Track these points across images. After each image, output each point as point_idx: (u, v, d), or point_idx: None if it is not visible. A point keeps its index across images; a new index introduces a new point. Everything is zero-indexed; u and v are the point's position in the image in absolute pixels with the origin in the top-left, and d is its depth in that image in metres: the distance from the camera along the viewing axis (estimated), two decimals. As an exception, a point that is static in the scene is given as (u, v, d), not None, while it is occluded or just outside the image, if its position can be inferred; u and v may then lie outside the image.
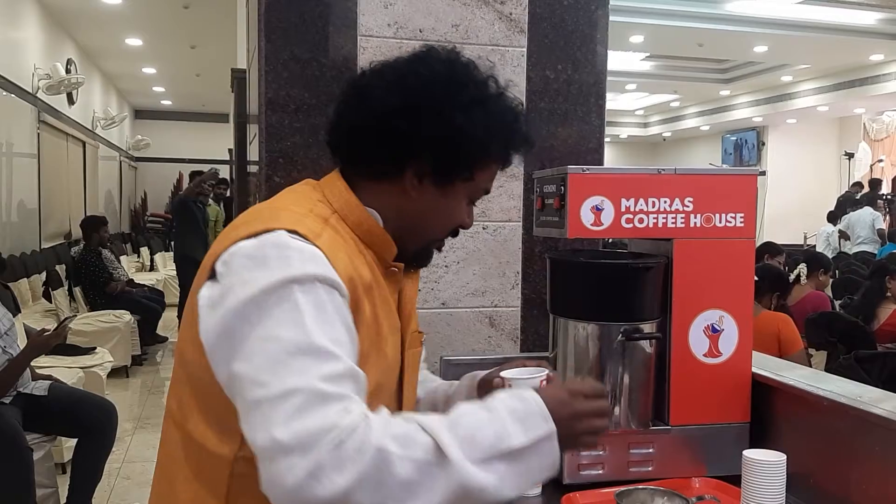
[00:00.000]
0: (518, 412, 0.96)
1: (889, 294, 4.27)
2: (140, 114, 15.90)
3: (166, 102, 15.09)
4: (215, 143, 13.83)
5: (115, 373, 6.05)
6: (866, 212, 10.69)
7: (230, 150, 10.46)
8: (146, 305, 7.45)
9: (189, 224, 7.94)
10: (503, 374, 1.25)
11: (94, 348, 5.40)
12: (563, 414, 0.99)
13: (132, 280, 8.03)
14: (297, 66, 2.01)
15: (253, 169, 2.91)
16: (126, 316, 6.63)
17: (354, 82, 1.19)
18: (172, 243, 10.56)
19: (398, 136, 1.10)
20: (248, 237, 1.01)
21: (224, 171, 10.86)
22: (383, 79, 1.14)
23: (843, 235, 10.72)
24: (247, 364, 0.91)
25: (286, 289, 0.95)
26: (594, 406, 1.05)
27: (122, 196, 13.93)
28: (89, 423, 3.48)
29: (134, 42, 10.03)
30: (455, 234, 1.22)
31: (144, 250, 12.03)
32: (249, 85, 3.00)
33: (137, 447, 4.85)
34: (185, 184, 10.60)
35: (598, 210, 1.60)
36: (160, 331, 8.04)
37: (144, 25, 9.29)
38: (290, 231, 1.01)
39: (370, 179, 1.16)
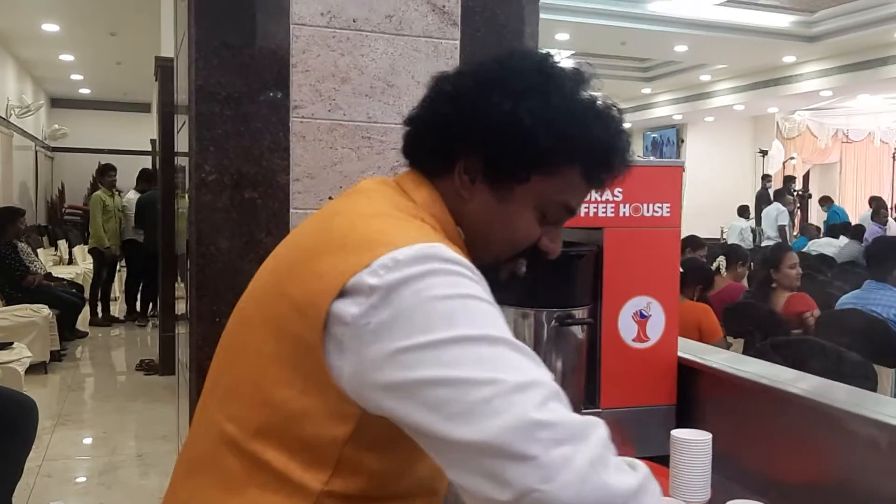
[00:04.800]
0: None
1: (775, 285, 4.43)
2: (57, 102, 15.33)
3: (85, 91, 14.59)
4: (137, 134, 13.45)
5: (33, 369, 5.84)
6: (773, 207, 11.19)
7: (153, 141, 10.20)
8: (65, 299, 7.22)
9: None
10: None
11: (11, 343, 5.20)
12: None
13: (50, 273, 7.77)
14: (227, 53, 1.98)
15: (181, 159, 2.86)
16: (44, 310, 6.41)
17: (430, 85, 1.08)
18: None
19: (443, 122, 1.01)
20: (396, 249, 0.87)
21: (147, 163, 10.60)
22: (451, 73, 1.06)
23: (761, 232, 11.20)
24: (456, 370, 0.80)
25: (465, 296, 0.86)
26: None
27: (38, 187, 13.41)
28: (8, 419, 3.35)
29: (51, 28, 9.66)
30: (530, 256, 1.06)
31: (62, 243, 11.62)
32: (178, 73, 2.94)
33: (58, 445, 4.70)
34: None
35: (532, 199, 1.63)
36: (80, 325, 7.80)
37: (62, 10, 8.95)
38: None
39: (430, 178, 1.04)
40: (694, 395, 1.74)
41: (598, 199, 1.68)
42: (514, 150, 0.98)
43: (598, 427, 0.79)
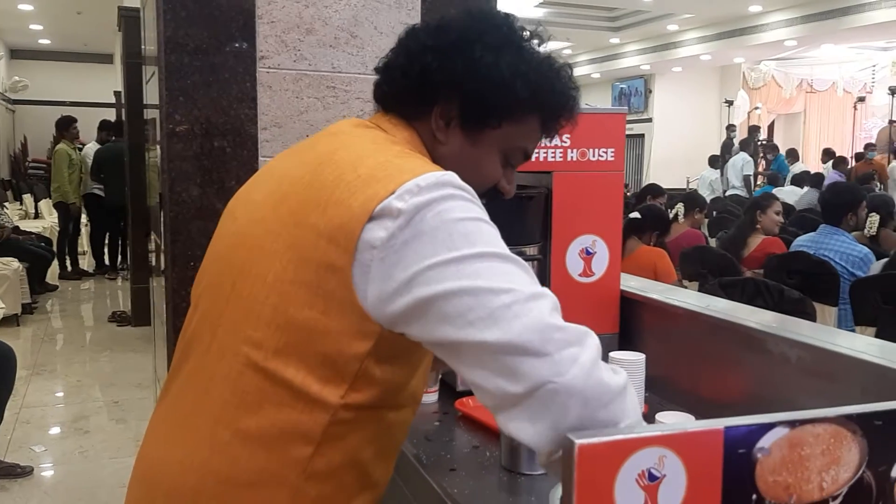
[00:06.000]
0: None
1: (759, 227, 4.68)
2: (17, 53, 15.02)
3: (45, 42, 14.31)
4: (99, 85, 13.27)
5: (5, 322, 5.92)
6: (739, 157, 11.38)
7: (116, 93, 10.08)
8: (34, 253, 7.24)
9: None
10: None
11: (-17, 296, 5.26)
12: None
13: (18, 227, 7.77)
14: (195, 4, 2.04)
15: (151, 111, 2.92)
16: (14, 263, 6.44)
17: (401, 36, 1.18)
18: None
19: (425, 70, 1.10)
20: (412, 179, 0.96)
21: (110, 115, 10.49)
22: (427, 26, 1.16)
23: (726, 181, 11.42)
24: (478, 281, 0.90)
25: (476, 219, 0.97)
26: None
27: (0, 141, 13.23)
28: (-14, 366, 3.46)
29: (8, -24, 9.48)
30: (492, 196, 1.16)
31: (27, 197, 11.53)
32: (145, 24, 2.98)
33: (34, 393, 4.81)
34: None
35: (485, 144, 1.75)
36: (49, 279, 7.83)
37: (20, -41, 8.78)
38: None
39: (406, 121, 1.14)
40: (634, 324, 1.90)
41: (548, 144, 1.80)
42: (493, 99, 1.09)
43: (592, 335, 0.92)
